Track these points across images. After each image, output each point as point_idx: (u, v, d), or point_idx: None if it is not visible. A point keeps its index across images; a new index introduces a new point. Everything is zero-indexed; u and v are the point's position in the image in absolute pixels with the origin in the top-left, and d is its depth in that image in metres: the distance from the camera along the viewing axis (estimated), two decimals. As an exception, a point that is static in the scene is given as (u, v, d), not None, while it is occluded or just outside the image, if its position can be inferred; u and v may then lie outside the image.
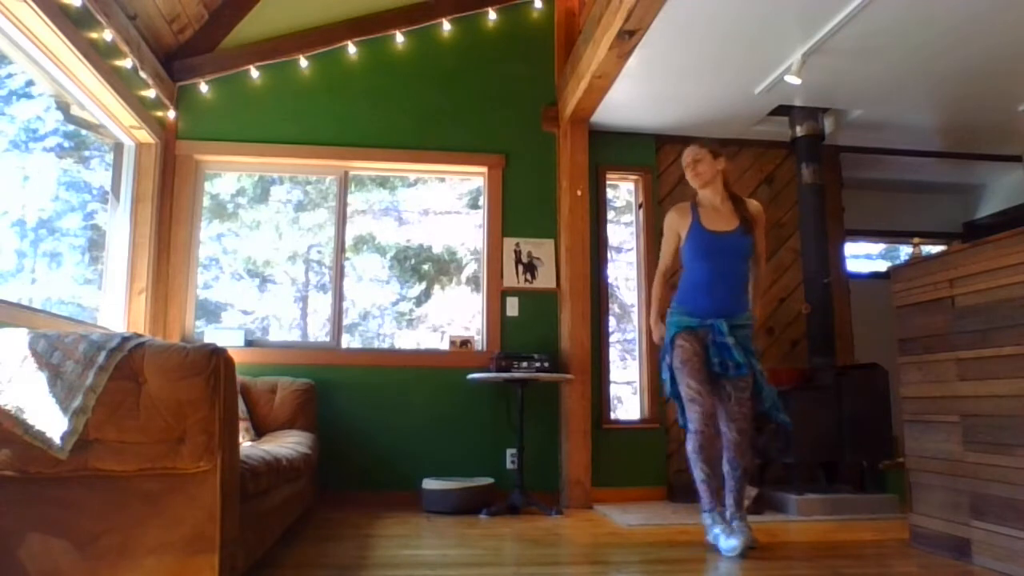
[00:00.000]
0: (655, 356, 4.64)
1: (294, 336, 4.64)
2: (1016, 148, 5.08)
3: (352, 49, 4.60)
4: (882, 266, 6.05)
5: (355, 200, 4.72)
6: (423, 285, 4.81)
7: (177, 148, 4.37)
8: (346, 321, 4.55)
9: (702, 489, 2.93)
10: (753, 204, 3.15)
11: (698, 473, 2.92)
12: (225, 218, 4.68)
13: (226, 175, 4.66)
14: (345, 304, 4.54)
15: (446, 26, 4.69)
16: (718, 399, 2.98)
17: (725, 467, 2.96)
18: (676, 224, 3.13)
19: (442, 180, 4.86)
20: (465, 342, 4.49)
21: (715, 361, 2.94)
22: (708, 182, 3.10)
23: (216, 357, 1.96)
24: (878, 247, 6.26)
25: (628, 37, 3.52)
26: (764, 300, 4.83)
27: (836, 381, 4.16)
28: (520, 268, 4.55)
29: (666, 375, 3.06)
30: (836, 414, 4.10)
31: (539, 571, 2.55)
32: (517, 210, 4.63)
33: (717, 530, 2.87)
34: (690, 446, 2.94)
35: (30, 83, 3.43)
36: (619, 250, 5.06)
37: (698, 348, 2.95)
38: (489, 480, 4.08)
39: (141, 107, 3.97)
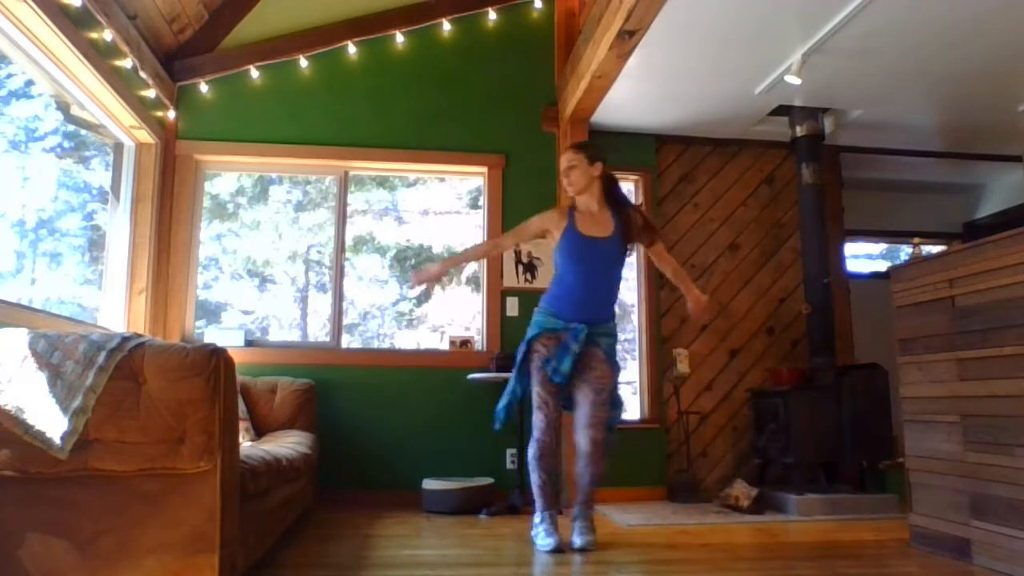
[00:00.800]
0: (655, 356, 4.64)
1: (294, 336, 4.64)
2: (1016, 148, 5.08)
3: (352, 49, 4.60)
4: (882, 266, 6.05)
5: (355, 200, 4.72)
6: (423, 285, 4.80)
7: (177, 148, 4.37)
8: (346, 321, 4.55)
9: (538, 493, 2.97)
10: (634, 213, 3.11)
11: (535, 478, 2.97)
12: (225, 218, 4.68)
13: (226, 175, 4.66)
14: (345, 304, 4.54)
15: (446, 26, 4.69)
16: (575, 398, 2.98)
17: (579, 471, 2.97)
18: (549, 221, 3.09)
19: (442, 180, 4.86)
20: (465, 342, 4.49)
21: (552, 362, 2.90)
22: (583, 189, 3.09)
23: (216, 357, 1.96)
24: (878, 247, 6.26)
25: (628, 37, 3.52)
26: (764, 301, 4.84)
27: (836, 381, 4.16)
28: (520, 268, 4.55)
29: (516, 368, 3.03)
30: (836, 414, 4.10)
31: (539, 571, 2.55)
32: (517, 210, 4.62)
33: (541, 528, 2.92)
34: (530, 452, 2.97)
35: (30, 83, 3.43)
36: (619, 250, 5.05)
37: (553, 354, 2.94)
38: (489, 480, 4.08)
39: (141, 107, 3.97)
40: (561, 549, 2.85)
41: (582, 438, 2.94)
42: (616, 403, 3.05)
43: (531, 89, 4.74)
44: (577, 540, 2.89)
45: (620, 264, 3.06)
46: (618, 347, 3.10)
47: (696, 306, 3.18)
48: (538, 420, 2.94)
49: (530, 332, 3.02)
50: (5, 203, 3.31)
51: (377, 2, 4.63)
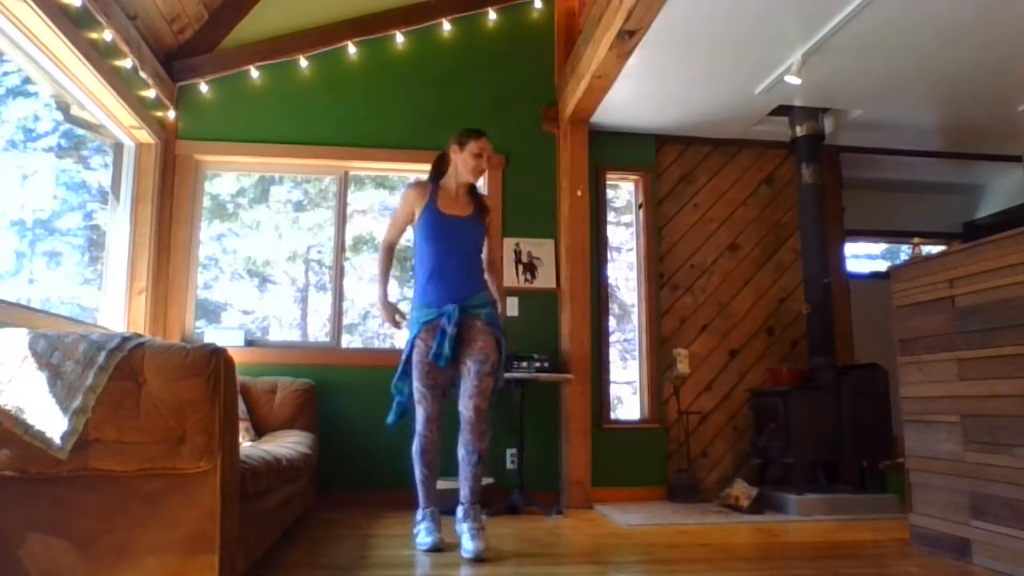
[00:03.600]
0: (655, 356, 4.64)
1: (294, 336, 4.64)
2: (1016, 148, 5.08)
3: (352, 49, 4.60)
4: (882, 266, 6.05)
5: (355, 200, 4.72)
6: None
7: (177, 148, 4.37)
8: (346, 321, 4.55)
9: (421, 489, 2.96)
10: (490, 201, 3.17)
11: (417, 474, 2.95)
12: (225, 218, 4.68)
13: (226, 175, 4.66)
14: (345, 304, 4.54)
15: (446, 26, 4.69)
16: (459, 373, 2.92)
17: (460, 451, 2.91)
18: (412, 201, 3.04)
19: (442, 180, 4.86)
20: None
21: (432, 347, 2.86)
22: (479, 176, 3.10)
23: (216, 357, 1.96)
24: (878, 247, 6.26)
25: (628, 37, 3.52)
26: (764, 301, 4.84)
27: (836, 381, 4.16)
28: (520, 268, 4.55)
29: (399, 369, 3.00)
30: (836, 414, 4.10)
31: (539, 571, 2.55)
32: (517, 210, 4.63)
33: (422, 526, 2.91)
34: (414, 447, 2.94)
35: (27, 82, 3.43)
36: (619, 250, 5.06)
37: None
38: (489, 480, 4.07)
39: (141, 107, 3.97)
40: (440, 548, 2.83)
41: (465, 408, 2.88)
42: (499, 365, 2.97)
43: (531, 89, 4.74)
44: (469, 546, 2.73)
45: (479, 244, 3.05)
46: (498, 313, 3.03)
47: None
48: (419, 414, 2.91)
49: (410, 332, 2.97)
50: (4, 203, 3.30)
51: (377, 2, 4.63)
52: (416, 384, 2.91)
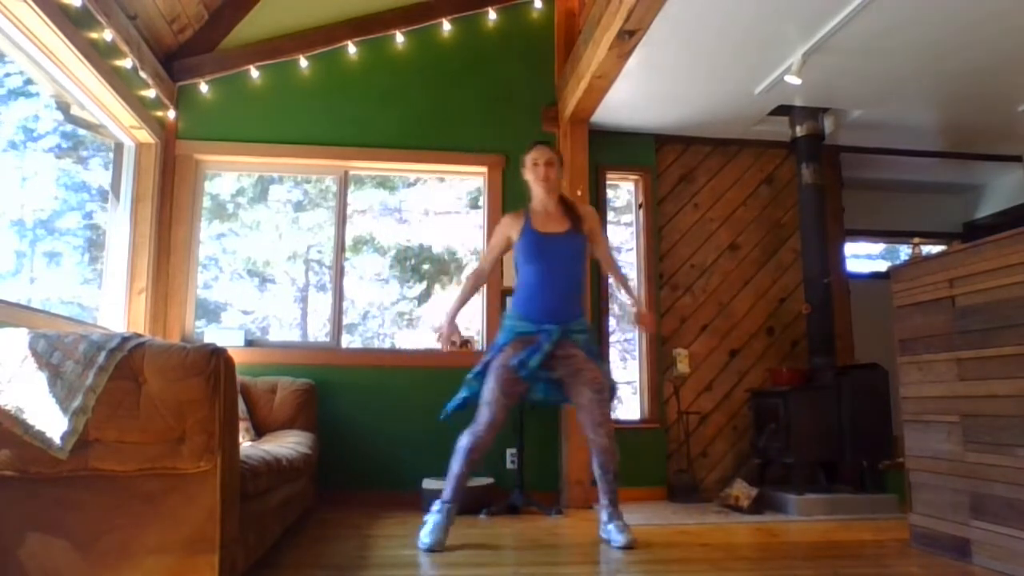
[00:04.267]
0: (655, 356, 4.64)
1: (294, 336, 4.64)
2: (1016, 148, 5.08)
3: (352, 49, 4.60)
4: (882, 266, 6.05)
5: (355, 200, 4.72)
6: (423, 285, 4.81)
7: (177, 148, 4.37)
8: (346, 321, 4.55)
9: (453, 483, 2.96)
10: (588, 209, 3.20)
11: (457, 468, 2.95)
12: (225, 218, 4.68)
13: (226, 175, 4.66)
14: (345, 304, 4.54)
15: (446, 26, 4.69)
16: (577, 402, 2.99)
17: (596, 471, 3.01)
18: (507, 228, 3.15)
19: (442, 180, 4.86)
20: (465, 342, 4.49)
21: (521, 355, 2.91)
22: (553, 188, 3.13)
23: (216, 357, 1.96)
24: (878, 247, 6.26)
25: (628, 37, 3.52)
26: (764, 301, 4.84)
27: (836, 381, 4.16)
28: (520, 268, 4.54)
29: (479, 368, 3.03)
30: (836, 414, 4.10)
31: (539, 571, 2.55)
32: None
33: (432, 520, 2.91)
34: (464, 442, 2.95)
35: (28, 82, 3.43)
36: (619, 250, 5.06)
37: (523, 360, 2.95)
38: (489, 480, 4.08)
39: (141, 107, 3.97)
40: (437, 549, 2.83)
41: (597, 436, 2.96)
42: (612, 391, 3.10)
43: (531, 89, 4.74)
44: (619, 538, 2.91)
45: (580, 260, 3.09)
46: (601, 344, 3.18)
47: (642, 316, 3.23)
48: (484, 415, 2.93)
49: (501, 338, 3.01)
50: (4, 203, 3.30)
51: (377, 2, 4.63)
52: (492, 386, 2.94)
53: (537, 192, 3.15)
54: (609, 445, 2.97)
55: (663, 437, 4.55)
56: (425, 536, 2.88)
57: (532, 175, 3.13)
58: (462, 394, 3.08)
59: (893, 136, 4.87)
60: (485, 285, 4.53)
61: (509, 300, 3.18)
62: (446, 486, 2.98)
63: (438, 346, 3.28)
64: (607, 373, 3.06)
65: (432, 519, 2.93)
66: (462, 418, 4.33)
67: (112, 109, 3.76)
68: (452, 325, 3.16)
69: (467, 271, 4.78)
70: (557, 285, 3.02)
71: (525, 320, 3.00)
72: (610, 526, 2.99)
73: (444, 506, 2.96)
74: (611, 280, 3.30)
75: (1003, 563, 2.50)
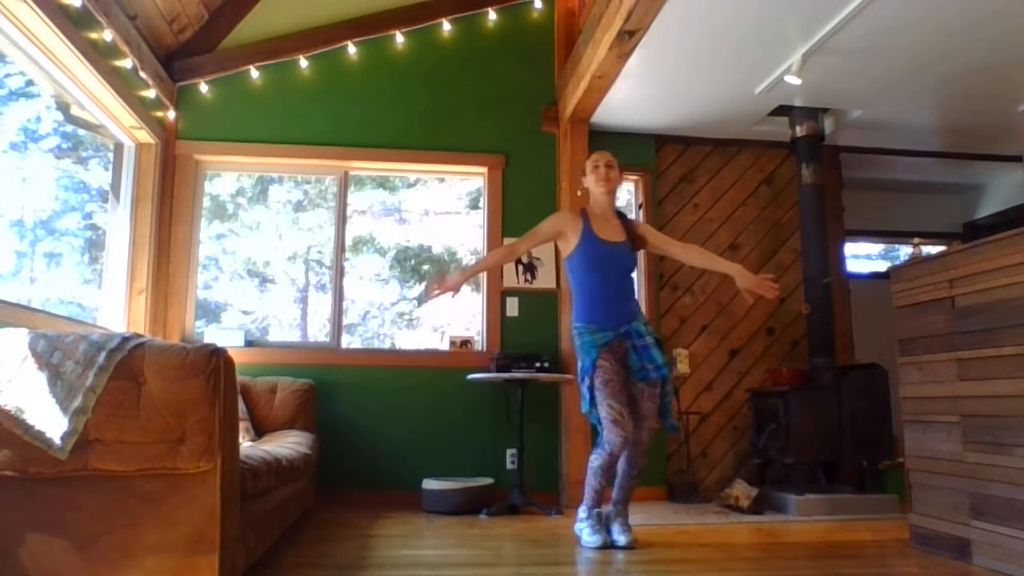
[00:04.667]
0: (655, 356, 4.63)
1: (294, 336, 4.64)
2: (1016, 148, 5.08)
3: (352, 49, 4.60)
4: (882, 266, 6.05)
5: (355, 200, 4.72)
6: (423, 285, 4.81)
7: (177, 148, 4.37)
8: (346, 321, 4.55)
9: (592, 495, 3.00)
10: (635, 221, 3.23)
11: (595, 484, 2.99)
12: (225, 218, 4.68)
13: (226, 175, 4.66)
14: (345, 304, 4.54)
15: (446, 26, 4.69)
16: (633, 403, 2.98)
17: (622, 465, 3.00)
18: (563, 223, 3.13)
19: (442, 180, 4.86)
20: (465, 342, 4.49)
21: (636, 366, 2.96)
22: (613, 191, 3.15)
23: (216, 357, 1.96)
24: (878, 247, 6.26)
25: (628, 37, 3.52)
26: (764, 301, 4.83)
27: (836, 381, 4.16)
28: (520, 268, 4.55)
29: (586, 398, 3.02)
30: (836, 414, 4.10)
31: (539, 571, 2.55)
32: (517, 210, 4.63)
33: (587, 524, 2.98)
34: (597, 462, 2.96)
35: (29, 83, 3.43)
36: (619, 250, 5.05)
37: (618, 367, 2.96)
38: (489, 480, 4.08)
39: (141, 107, 3.97)
40: (607, 546, 2.91)
41: (638, 428, 2.95)
42: (667, 388, 3.08)
43: (531, 89, 4.74)
44: (620, 539, 2.94)
45: (633, 268, 3.12)
46: (580, 364, 3.12)
47: (748, 281, 2.99)
48: (614, 435, 2.88)
49: (587, 358, 2.98)
50: (5, 203, 3.30)
51: (377, 2, 4.63)
52: (610, 403, 2.90)
53: (597, 195, 3.15)
54: (646, 441, 2.97)
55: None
56: (590, 539, 2.94)
57: (593, 177, 3.13)
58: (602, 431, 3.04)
59: (893, 136, 4.87)
60: (486, 284, 4.54)
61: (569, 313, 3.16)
62: (586, 499, 3.02)
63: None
64: (665, 363, 3.03)
65: (585, 526, 2.99)
66: (463, 417, 4.34)
67: (112, 109, 3.76)
68: (457, 286, 3.05)
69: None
70: (618, 287, 3.05)
71: (601, 330, 2.99)
72: (614, 525, 3.00)
73: (591, 512, 3.01)
74: (696, 264, 3.22)
75: (1003, 563, 2.50)
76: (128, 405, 1.89)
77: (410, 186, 4.86)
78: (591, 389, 2.98)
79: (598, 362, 2.95)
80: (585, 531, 2.98)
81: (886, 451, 4.12)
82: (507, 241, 4.47)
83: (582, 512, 3.03)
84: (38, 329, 2.14)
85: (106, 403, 1.88)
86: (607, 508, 3.07)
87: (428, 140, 4.61)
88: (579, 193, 4.42)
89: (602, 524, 3.00)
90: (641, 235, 3.17)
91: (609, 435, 2.90)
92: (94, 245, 4.01)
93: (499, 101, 4.71)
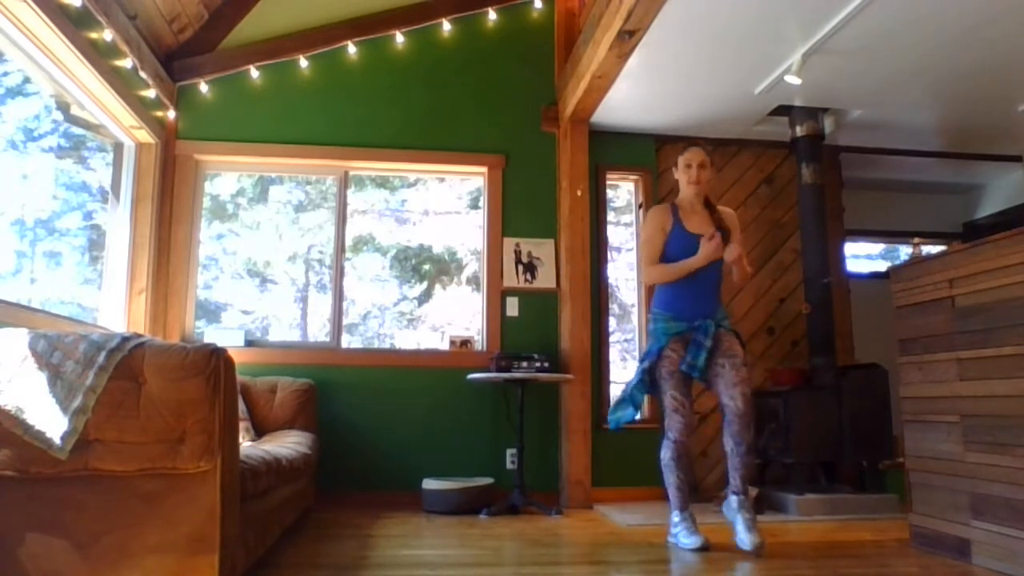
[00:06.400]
0: (655, 356, 4.63)
1: (294, 336, 4.63)
2: (1016, 148, 5.08)
3: (352, 49, 4.60)
4: (882, 266, 6.05)
5: (355, 200, 4.72)
6: (423, 285, 4.81)
7: (177, 148, 4.37)
8: (346, 321, 4.55)
9: (675, 494, 3.01)
10: (727, 211, 3.19)
11: (673, 479, 3.00)
12: (225, 218, 4.68)
13: (226, 175, 4.66)
14: (345, 304, 4.54)
15: (446, 26, 4.69)
16: (714, 375, 2.97)
17: (728, 443, 2.91)
18: (662, 218, 3.13)
19: (442, 180, 4.86)
20: (465, 342, 4.49)
21: (687, 359, 2.96)
22: (703, 191, 3.15)
23: (216, 357, 1.96)
24: (878, 247, 6.26)
25: (628, 37, 3.52)
26: (764, 301, 4.84)
27: (836, 381, 4.16)
28: (520, 268, 4.55)
29: (636, 378, 3.03)
30: (836, 414, 4.10)
31: (539, 571, 2.55)
32: (517, 210, 4.63)
33: (682, 528, 2.95)
34: (668, 454, 2.99)
35: (27, 82, 3.43)
36: (619, 250, 5.06)
37: (682, 357, 2.98)
38: (489, 480, 4.08)
39: (141, 107, 3.97)
40: (708, 547, 2.85)
41: (731, 399, 2.89)
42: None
43: (531, 89, 4.74)
44: (745, 537, 2.83)
45: (723, 261, 3.08)
46: (646, 349, 3.14)
47: (728, 255, 3.01)
48: (675, 423, 2.96)
49: (655, 344, 3.02)
50: (5, 203, 3.30)
51: (377, 2, 4.63)
52: (672, 393, 2.97)
53: (686, 192, 3.15)
54: (745, 410, 2.85)
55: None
56: (687, 541, 2.90)
57: (684, 176, 3.13)
58: (630, 411, 3.07)
59: (893, 136, 4.87)
60: (485, 284, 4.54)
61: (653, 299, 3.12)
62: (672, 500, 3.01)
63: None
64: (696, 367, 3.00)
65: (681, 528, 2.96)
66: (463, 417, 4.34)
67: (112, 109, 3.76)
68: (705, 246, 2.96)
69: (467, 271, 4.79)
70: (706, 283, 3.04)
71: (676, 320, 3.02)
72: (738, 516, 2.89)
73: (684, 515, 2.99)
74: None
75: (1003, 563, 2.50)
76: (128, 405, 1.89)
77: (410, 186, 4.86)
78: (645, 372, 3.01)
79: (665, 351, 2.98)
80: (681, 535, 2.93)
81: (886, 451, 4.12)
82: (505, 240, 4.48)
83: (674, 517, 3.00)
84: (38, 329, 2.14)
85: (106, 403, 1.88)
86: (727, 497, 2.98)
87: (428, 140, 4.61)
88: (579, 193, 4.45)
89: (696, 524, 2.96)
90: (728, 228, 3.12)
91: (670, 422, 2.97)
92: (94, 245, 4.01)
93: (499, 101, 4.71)
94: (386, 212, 4.81)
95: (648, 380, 3.03)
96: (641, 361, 3.10)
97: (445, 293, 4.80)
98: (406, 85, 4.64)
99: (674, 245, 3.07)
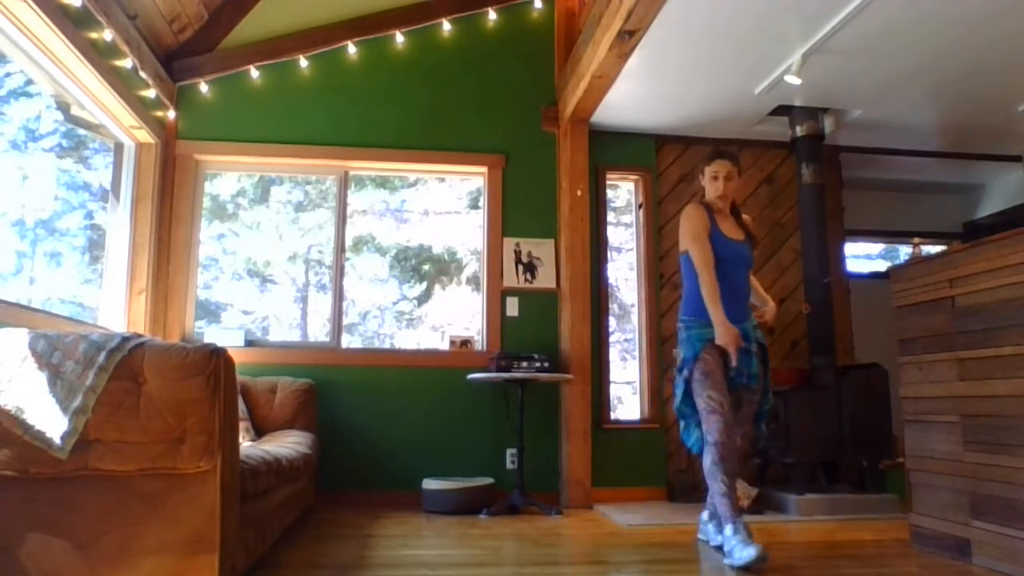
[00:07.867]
0: (655, 356, 4.64)
1: (294, 336, 4.63)
2: (1016, 148, 5.08)
3: (352, 49, 4.60)
4: (882, 266, 6.05)
5: (355, 200, 4.72)
6: (423, 285, 4.81)
7: (177, 148, 4.37)
8: (346, 321, 4.55)
9: (724, 502, 2.75)
10: (746, 217, 3.20)
11: (719, 486, 2.76)
12: (225, 218, 4.68)
13: (226, 175, 4.66)
14: (345, 304, 4.54)
15: (446, 26, 4.69)
16: (735, 396, 2.97)
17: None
18: (704, 216, 3.04)
19: (442, 180, 4.86)
20: (465, 342, 4.49)
21: (732, 370, 2.92)
22: (728, 202, 3.12)
23: (216, 357, 1.96)
24: (878, 247, 6.26)
25: (628, 37, 3.52)
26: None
27: (836, 381, 4.16)
28: (520, 268, 4.55)
29: (680, 390, 2.96)
30: (836, 414, 4.10)
31: (539, 571, 2.55)
32: (517, 210, 4.63)
33: (737, 540, 2.65)
34: (710, 458, 2.79)
35: (29, 83, 3.43)
36: (619, 250, 5.06)
37: (720, 361, 2.91)
38: (489, 480, 4.08)
39: (141, 107, 3.97)
40: (766, 557, 2.58)
41: (737, 439, 2.92)
42: (767, 391, 3.05)
43: (531, 89, 4.74)
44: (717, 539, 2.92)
45: (752, 266, 3.10)
46: (680, 361, 3.07)
47: (769, 315, 3.18)
48: (713, 424, 2.80)
49: (690, 350, 2.93)
50: (5, 203, 3.30)
51: (377, 2, 4.63)
52: (710, 393, 2.84)
53: (713, 198, 3.11)
54: (740, 446, 2.96)
55: (663, 437, 4.55)
56: (743, 555, 2.57)
57: (711, 188, 3.09)
58: (693, 432, 2.99)
59: (893, 136, 4.87)
60: (485, 284, 4.54)
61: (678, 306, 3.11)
62: (721, 510, 2.76)
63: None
64: (768, 369, 3.02)
65: (735, 543, 2.64)
66: (463, 417, 4.34)
67: (112, 109, 3.76)
68: (731, 327, 2.87)
69: (467, 271, 4.78)
70: (739, 288, 3.02)
71: (710, 325, 2.91)
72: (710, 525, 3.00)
73: (736, 524, 2.71)
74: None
75: (1003, 563, 2.50)
76: (128, 405, 1.89)
77: (410, 186, 4.86)
78: (687, 382, 2.92)
79: (701, 355, 2.90)
80: (736, 548, 2.62)
81: (886, 451, 4.12)
82: (505, 240, 4.48)
83: (727, 529, 2.71)
84: (38, 329, 2.14)
85: (106, 403, 1.88)
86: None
87: (428, 140, 4.61)
88: (579, 193, 4.45)
89: (749, 532, 2.68)
90: (754, 234, 3.15)
91: (709, 425, 2.82)
92: (94, 245, 4.01)
93: (499, 101, 4.71)
94: (386, 212, 4.81)
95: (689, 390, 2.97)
96: (679, 371, 2.98)
97: (445, 293, 4.80)
98: (406, 85, 4.64)
99: (718, 248, 3.00)
